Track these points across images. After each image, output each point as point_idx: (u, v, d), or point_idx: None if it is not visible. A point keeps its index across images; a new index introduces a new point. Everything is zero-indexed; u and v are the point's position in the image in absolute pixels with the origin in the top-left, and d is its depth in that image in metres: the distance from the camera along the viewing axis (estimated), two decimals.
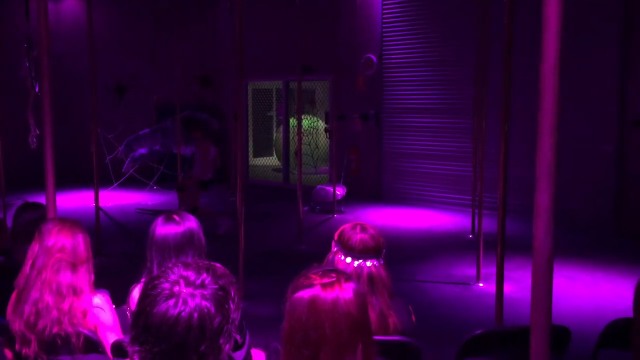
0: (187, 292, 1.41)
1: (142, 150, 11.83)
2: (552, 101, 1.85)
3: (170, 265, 1.50)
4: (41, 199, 3.72)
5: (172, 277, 1.44)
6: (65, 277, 2.56)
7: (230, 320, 1.46)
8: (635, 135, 8.49)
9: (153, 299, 1.41)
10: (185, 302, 1.40)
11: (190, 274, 1.45)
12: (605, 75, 8.62)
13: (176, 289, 1.42)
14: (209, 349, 1.42)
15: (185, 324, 1.38)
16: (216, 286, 1.45)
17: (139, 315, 1.43)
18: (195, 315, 1.39)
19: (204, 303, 1.41)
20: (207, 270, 1.48)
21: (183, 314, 1.39)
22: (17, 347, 2.54)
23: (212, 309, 1.42)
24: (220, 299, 1.44)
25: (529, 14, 6.96)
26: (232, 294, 1.48)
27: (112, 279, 2.94)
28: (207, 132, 9.27)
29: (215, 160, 8.79)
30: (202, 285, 1.43)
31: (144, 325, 1.40)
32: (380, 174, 11.40)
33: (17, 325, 2.53)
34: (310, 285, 1.63)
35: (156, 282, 1.45)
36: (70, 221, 2.72)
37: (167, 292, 1.41)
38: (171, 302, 1.40)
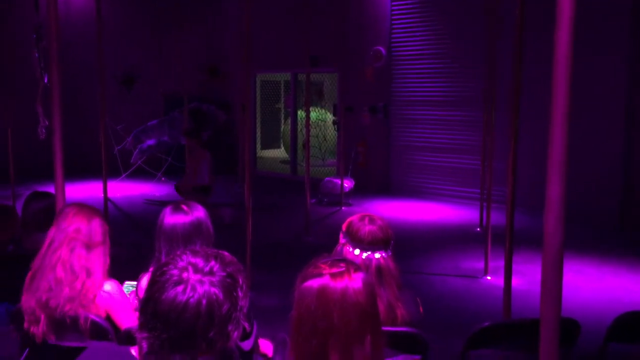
0: (196, 278, 1.41)
1: (150, 142, 11.86)
2: (564, 92, 1.83)
3: (178, 252, 1.50)
4: (50, 189, 3.73)
5: (181, 263, 1.44)
6: (80, 258, 2.60)
7: (239, 308, 1.46)
8: None
9: (162, 286, 1.41)
10: (193, 289, 1.40)
11: (199, 261, 1.45)
12: (614, 72, 8.57)
13: (185, 275, 1.42)
14: (218, 335, 1.42)
15: (193, 310, 1.39)
16: (224, 273, 1.46)
17: (147, 301, 1.43)
18: (204, 301, 1.40)
19: (213, 290, 1.41)
20: (215, 257, 1.48)
21: (191, 300, 1.39)
22: (25, 325, 2.55)
23: (221, 296, 1.42)
24: (229, 286, 1.45)
25: (540, 6, 6.92)
26: (240, 282, 1.49)
27: (120, 269, 2.95)
28: (202, 140, 9.14)
29: (210, 166, 8.67)
30: (211, 272, 1.44)
31: (152, 311, 1.41)
32: (389, 167, 11.38)
33: (28, 303, 2.55)
34: (320, 275, 1.62)
35: (165, 268, 1.45)
36: (88, 207, 2.76)
37: (175, 278, 1.41)
38: (180, 288, 1.40)
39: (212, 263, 1.46)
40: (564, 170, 1.86)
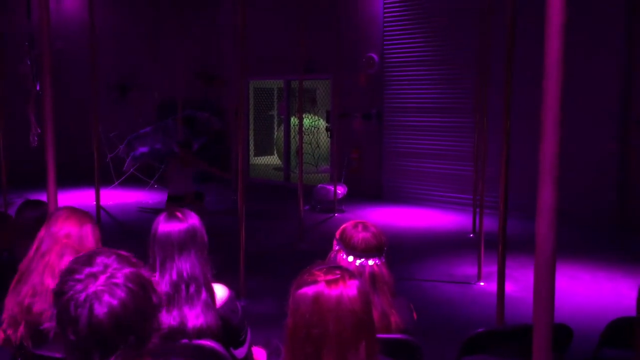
0: (102, 282, 1.41)
1: (143, 149, 11.83)
2: (555, 98, 1.84)
3: (60, 282, 1.46)
4: (42, 197, 3.72)
5: (80, 296, 1.40)
6: None
7: (150, 276, 1.50)
8: (638, 133, 8.50)
9: (81, 314, 1.38)
10: (116, 285, 1.40)
11: (87, 270, 1.44)
12: (609, 72, 8.64)
13: (93, 287, 1.40)
14: (157, 298, 1.46)
15: (129, 301, 1.40)
16: (113, 256, 1.48)
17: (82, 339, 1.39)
18: (131, 284, 1.42)
19: (127, 270, 1.44)
20: (94, 255, 1.48)
21: (123, 294, 1.40)
22: (3, 326, 2.49)
23: (133, 269, 1.45)
24: (125, 258, 1.48)
25: (531, 10, 6.96)
26: (125, 253, 1.51)
27: None
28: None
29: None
30: (106, 266, 1.44)
31: (98, 339, 1.38)
32: (381, 173, 11.40)
33: (10, 305, 2.47)
34: (315, 282, 1.62)
35: (66, 298, 1.41)
36: (81, 211, 2.68)
37: (82, 298, 1.39)
38: (106, 297, 1.39)
39: (98, 260, 1.46)
40: (555, 175, 1.86)
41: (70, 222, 2.58)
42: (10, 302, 2.49)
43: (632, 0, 8.48)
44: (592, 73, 8.63)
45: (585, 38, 8.43)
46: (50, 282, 2.45)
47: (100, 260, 1.45)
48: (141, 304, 1.41)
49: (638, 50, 8.49)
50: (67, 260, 2.49)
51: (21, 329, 2.44)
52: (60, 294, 1.43)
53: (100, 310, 1.37)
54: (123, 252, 1.51)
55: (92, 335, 1.38)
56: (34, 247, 2.56)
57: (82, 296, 1.39)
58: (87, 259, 1.46)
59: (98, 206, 7.69)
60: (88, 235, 2.60)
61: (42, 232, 2.58)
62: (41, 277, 2.48)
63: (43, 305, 2.45)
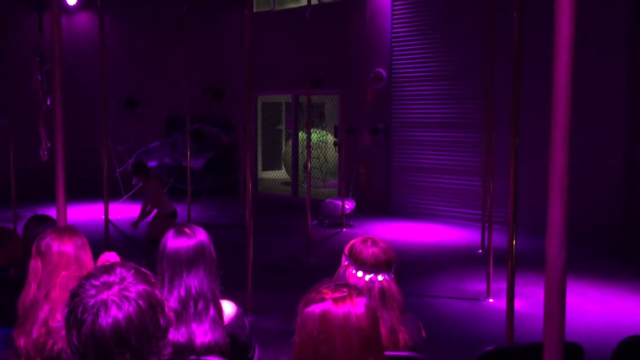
0: (114, 293, 1.42)
1: (152, 163, 11.88)
2: (564, 113, 1.83)
3: (77, 284, 1.47)
4: (52, 211, 3.73)
5: (90, 301, 1.41)
6: None
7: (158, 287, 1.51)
8: None
9: (93, 322, 1.39)
10: (126, 298, 1.41)
11: (104, 278, 1.45)
12: (614, 86, 8.63)
13: (104, 296, 1.41)
14: (165, 320, 1.46)
15: (138, 314, 1.40)
16: (133, 270, 1.48)
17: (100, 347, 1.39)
18: (142, 302, 1.42)
19: (140, 287, 1.44)
20: (116, 265, 1.50)
21: (130, 308, 1.40)
22: None
23: (147, 287, 1.45)
24: (144, 275, 1.48)
25: (537, 28, 6.97)
26: (140, 268, 1.52)
27: None
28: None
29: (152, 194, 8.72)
30: (123, 278, 1.45)
31: (97, 346, 1.38)
32: (389, 188, 11.38)
33: (22, 343, 2.44)
34: (322, 300, 1.62)
35: (77, 301, 1.42)
36: (67, 231, 2.63)
37: (90, 303, 1.40)
38: (113, 308, 1.39)
39: (117, 270, 1.47)
40: (565, 193, 1.85)
41: (63, 248, 2.53)
42: (19, 338, 2.46)
43: (638, 14, 8.49)
44: (599, 87, 8.62)
45: (591, 51, 8.43)
46: (61, 317, 2.41)
47: (120, 271, 1.46)
48: (146, 322, 1.40)
49: None
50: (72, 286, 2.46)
51: None
52: (74, 295, 1.44)
53: (104, 318, 1.38)
54: (144, 270, 1.52)
55: (92, 341, 1.38)
56: (34, 282, 2.50)
57: (92, 302, 1.40)
58: (108, 268, 1.48)
59: (107, 220, 7.70)
60: (82, 255, 2.56)
61: (38, 266, 2.51)
62: (51, 313, 2.44)
63: (54, 338, 2.41)
